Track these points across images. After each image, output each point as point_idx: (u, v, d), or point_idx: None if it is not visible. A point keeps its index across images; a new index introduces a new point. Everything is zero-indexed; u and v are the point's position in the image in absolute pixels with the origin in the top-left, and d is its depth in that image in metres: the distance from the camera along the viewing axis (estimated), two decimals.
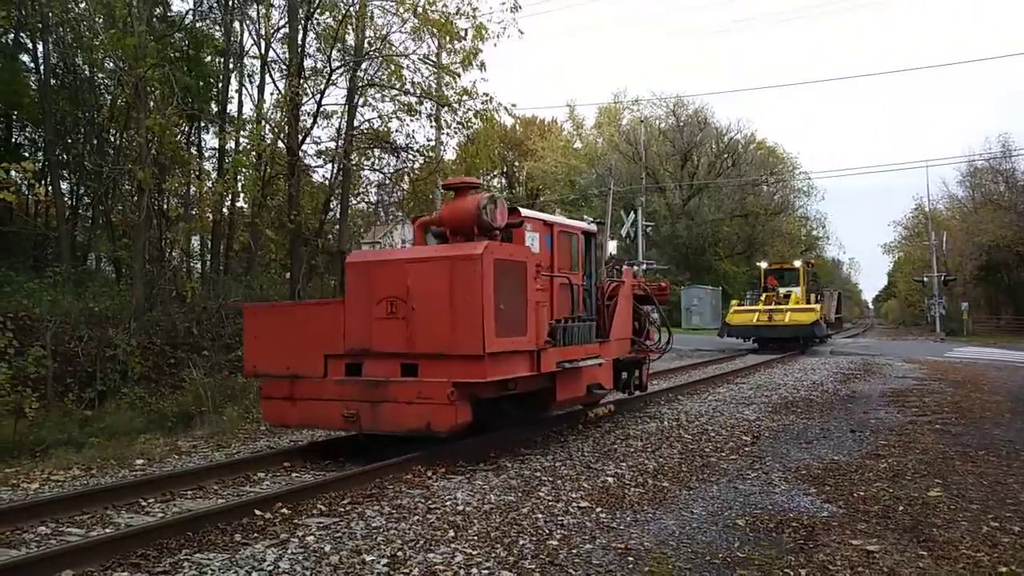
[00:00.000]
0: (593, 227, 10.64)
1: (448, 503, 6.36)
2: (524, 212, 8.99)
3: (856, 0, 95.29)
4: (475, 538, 5.46)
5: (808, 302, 27.26)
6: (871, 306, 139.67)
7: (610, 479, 7.29)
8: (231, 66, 20.56)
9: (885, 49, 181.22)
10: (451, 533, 5.56)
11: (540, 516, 6.01)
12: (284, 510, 6.05)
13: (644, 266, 29.71)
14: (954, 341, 38.82)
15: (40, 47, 18.70)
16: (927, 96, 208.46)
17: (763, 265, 30.83)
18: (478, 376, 7.28)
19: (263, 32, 18.69)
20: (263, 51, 19.15)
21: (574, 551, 5.20)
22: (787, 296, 27.01)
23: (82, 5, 17.03)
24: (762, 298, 27.48)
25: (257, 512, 5.90)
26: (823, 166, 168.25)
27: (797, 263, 29.41)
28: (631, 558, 5.09)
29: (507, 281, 7.50)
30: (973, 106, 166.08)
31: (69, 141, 19.74)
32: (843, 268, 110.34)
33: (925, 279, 48.30)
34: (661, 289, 12.53)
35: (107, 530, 5.65)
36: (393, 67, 17.35)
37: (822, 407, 12.52)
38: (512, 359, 7.74)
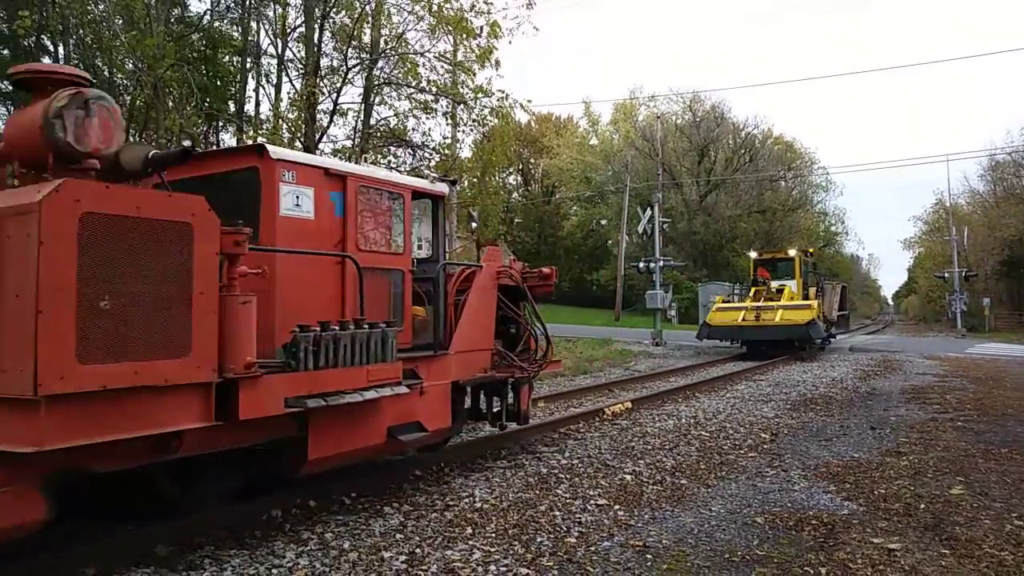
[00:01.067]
0: (441, 188, 7.57)
1: (466, 500, 6.37)
2: (275, 150, 5.76)
3: None
4: (493, 535, 5.46)
5: (805, 297, 23.61)
6: (891, 302, 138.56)
7: (628, 477, 7.27)
8: (248, 65, 20.71)
9: (904, 43, 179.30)
10: (469, 530, 5.57)
11: (558, 514, 6.00)
12: (303, 508, 6.08)
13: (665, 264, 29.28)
14: (975, 337, 38.42)
15: (61, 49, 18.92)
16: (947, 89, 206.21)
17: (753, 255, 27.48)
18: (26, 442, 3.82)
19: (280, 31, 18.80)
20: (280, 50, 19.32)
21: (592, 549, 5.20)
22: (780, 291, 23.49)
23: (101, 7, 17.19)
24: (751, 293, 24.25)
25: (276, 509, 5.93)
26: (842, 161, 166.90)
27: (792, 252, 25.54)
28: (649, 556, 5.08)
29: (129, 256, 4.16)
30: (994, 99, 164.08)
31: None
32: (862, 264, 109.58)
33: (946, 274, 47.75)
34: (544, 278, 8.73)
35: (129, 527, 5.70)
36: (409, 65, 17.42)
37: (842, 404, 12.42)
38: (150, 402, 4.26)
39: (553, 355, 8.68)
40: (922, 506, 6.24)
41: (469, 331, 7.34)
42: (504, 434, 8.62)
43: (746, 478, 7.27)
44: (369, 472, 7.10)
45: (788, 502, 6.41)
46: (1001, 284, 54.37)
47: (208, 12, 20.70)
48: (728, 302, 24.42)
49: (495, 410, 8.12)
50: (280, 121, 18.21)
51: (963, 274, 45.32)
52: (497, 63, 16.98)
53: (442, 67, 18.13)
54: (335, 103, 17.80)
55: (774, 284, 23.96)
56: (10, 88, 20.33)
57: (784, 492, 6.74)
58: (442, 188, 7.55)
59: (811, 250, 29.93)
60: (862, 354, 23.94)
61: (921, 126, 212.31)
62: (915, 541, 5.37)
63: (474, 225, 19.00)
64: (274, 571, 4.77)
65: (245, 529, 5.51)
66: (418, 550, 5.14)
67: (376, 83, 17.91)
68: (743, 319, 21.90)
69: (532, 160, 69.70)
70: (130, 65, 17.67)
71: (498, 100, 17.43)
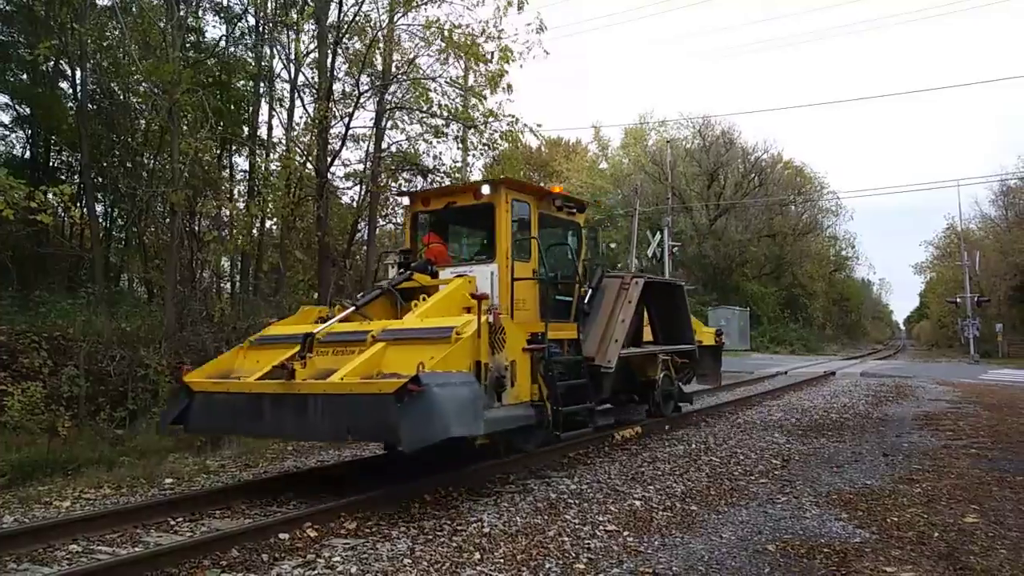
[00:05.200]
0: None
1: (474, 525, 6.34)
2: None
3: (887, 19, 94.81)
4: (501, 561, 5.43)
5: (516, 305, 9.06)
6: (903, 327, 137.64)
7: (637, 502, 7.22)
8: (262, 90, 20.95)
9: (914, 67, 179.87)
10: (477, 555, 5.54)
11: (567, 539, 5.96)
12: (311, 531, 6.06)
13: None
14: (989, 363, 38.08)
15: (79, 73, 19.20)
16: (958, 114, 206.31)
17: (405, 201, 10.34)
18: None
19: (293, 57, 19.04)
20: (293, 75, 19.53)
21: (601, 575, 5.15)
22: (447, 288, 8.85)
23: (116, 33, 17.46)
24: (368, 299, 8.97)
25: (283, 533, 5.92)
26: (852, 185, 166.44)
27: (487, 190, 9.01)
28: None
29: None
30: (1005, 124, 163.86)
31: (104, 164, 20.18)
32: (873, 289, 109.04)
33: (958, 300, 47.44)
34: None
35: (136, 549, 5.70)
36: (420, 90, 17.58)
37: (853, 430, 12.31)
38: None
39: None
40: (936, 534, 6.16)
41: None
42: (512, 459, 8.70)
43: (757, 504, 7.21)
44: (377, 495, 7.09)
45: (800, 529, 6.34)
46: (1014, 310, 53.87)
47: (223, 38, 21.02)
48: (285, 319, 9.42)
49: None
50: (293, 145, 18.37)
51: (975, 299, 45.04)
52: (508, 87, 17.11)
53: (453, 92, 18.31)
54: (347, 127, 17.98)
55: (446, 272, 9.20)
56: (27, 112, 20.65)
57: (796, 519, 6.67)
58: None
59: (560, 191, 10.63)
60: (873, 379, 23.76)
61: (932, 150, 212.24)
62: (928, 570, 5.29)
63: None
64: None
65: (252, 552, 5.50)
66: (426, 575, 5.11)
67: (388, 107, 18.08)
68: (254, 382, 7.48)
69: (542, 184, 69.96)
70: (144, 87, 17.91)
71: (508, 124, 17.55)
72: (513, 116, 17.57)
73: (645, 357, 11.87)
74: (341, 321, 8.07)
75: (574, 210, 10.34)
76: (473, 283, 8.40)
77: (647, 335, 12.18)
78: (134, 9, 17.45)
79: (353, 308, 8.43)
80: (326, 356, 7.36)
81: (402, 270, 9.43)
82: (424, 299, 8.10)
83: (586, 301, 10.26)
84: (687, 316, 12.68)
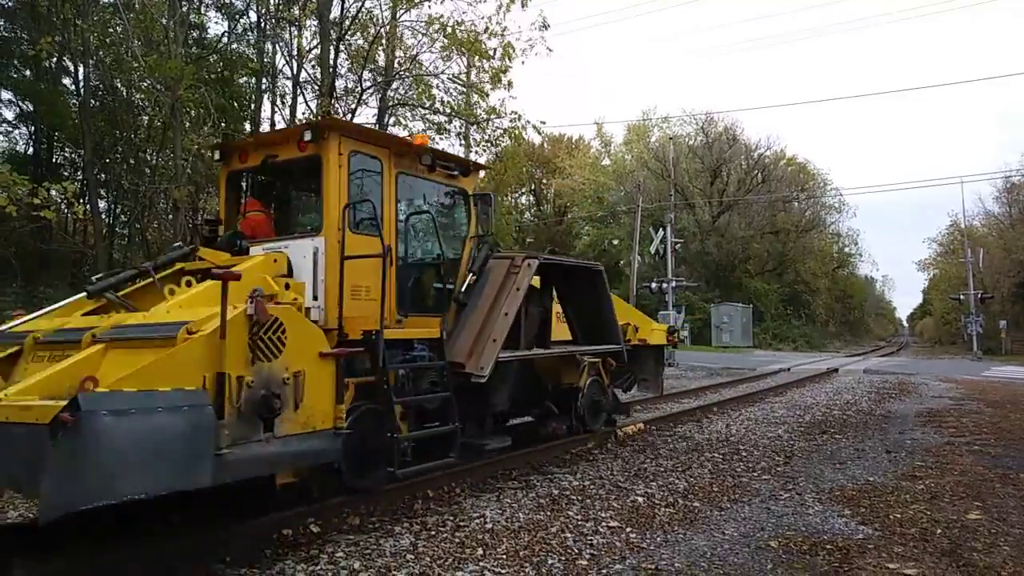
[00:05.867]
0: None
1: (476, 521, 6.35)
2: None
3: (889, 15, 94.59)
4: (504, 557, 5.43)
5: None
6: (906, 324, 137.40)
7: (640, 499, 7.22)
8: (264, 86, 20.96)
9: (917, 63, 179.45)
10: (479, 551, 5.55)
11: (569, 535, 5.97)
12: (314, 527, 6.07)
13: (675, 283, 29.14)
14: (992, 360, 38.03)
15: (81, 70, 19.23)
16: (961, 110, 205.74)
17: (216, 156, 7.85)
18: None
19: (296, 53, 19.04)
20: (295, 72, 19.55)
21: (603, 571, 5.16)
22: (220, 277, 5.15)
23: (119, 29, 17.48)
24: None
25: (287, 529, 5.93)
26: (855, 182, 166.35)
27: (309, 136, 6.66)
28: None
29: None
30: (1008, 120, 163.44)
31: (107, 161, 20.23)
32: (876, 285, 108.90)
33: (961, 297, 47.39)
34: None
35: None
36: (423, 86, 17.57)
37: (856, 427, 12.30)
38: None
39: None
40: (938, 531, 6.16)
41: None
42: (515, 455, 8.67)
43: (760, 501, 7.21)
44: (379, 492, 7.09)
45: (802, 526, 6.34)
46: (1018, 306, 53.74)
47: (226, 34, 21.04)
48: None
49: None
50: None
51: (979, 296, 44.96)
52: (510, 84, 17.11)
53: (455, 88, 18.31)
54: None
55: (261, 251, 6.79)
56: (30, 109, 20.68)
57: (798, 516, 6.67)
58: None
59: (423, 140, 8.04)
60: (876, 376, 23.74)
61: (935, 147, 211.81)
62: (931, 567, 5.29)
63: None
64: None
65: (256, 548, 5.51)
66: (428, 571, 5.12)
67: (390, 104, 18.09)
68: None
69: (544, 180, 69.90)
70: (146, 83, 17.93)
71: (511, 121, 17.55)
72: (516, 113, 17.57)
73: (560, 360, 9.57)
74: (89, 314, 6.08)
75: (455, 172, 8.09)
76: (281, 262, 6.44)
77: (562, 332, 9.85)
78: (137, 5, 17.45)
79: (109, 294, 6.30)
80: (41, 363, 5.30)
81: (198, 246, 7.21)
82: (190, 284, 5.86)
83: (463, 290, 7.90)
84: (610, 308, 9.88)
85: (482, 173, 8.71)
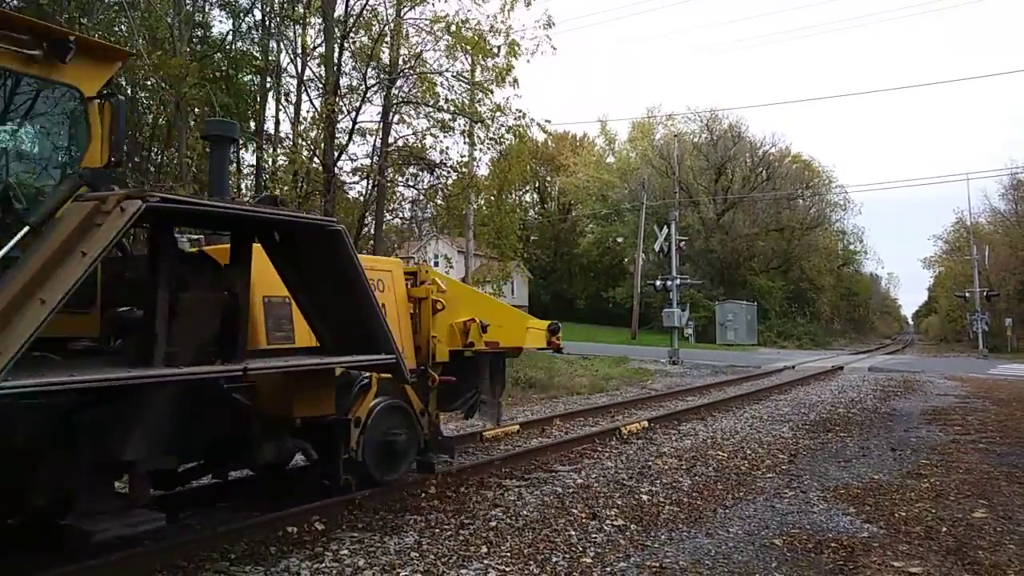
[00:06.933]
0: None
1: (481, 518, 6.35)
2: None
3: (896, 11, 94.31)
4: (508, 554, 5.44)
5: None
6: (911, 322, 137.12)
7: (644, 496, 7.22)
8: (268, 85, 20.97)
9: (921, 60, 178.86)
10: (484, 549, 5.55)
11: (573, 533, 5.97)
12: (318, 524, 6.08)
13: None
14: (998, 358, 37.92)
15: None
16: (967, 107, 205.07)
17: None
18: None
19: (300, 51, 19.04)
20: (300, 70, 19.54)
21: (608, 569, 5.16)
22: None
23: (124, 27, 17.50)
24: None
25: (291, 526, 5.94)
26: (860, 179, 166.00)
27: None
28: None
29: None
30: (1014, 117, 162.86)
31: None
32: (882, 283, 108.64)
33: (967, 294, 47.25)
34: None
35: (147, 542, 5.72)
36: (427, 84, 17.56)
37: (861, 425, 12.28)
38: None
39: None
40: (944, 529, 6.14)
41: None
42: (520, 452, 8.66)
43: (764, 499, 7.20)
44: (384, 489, 7.10)
45: (807, 524, 6.33)
46: (1023, 304, 53.68)
47: (230, 33, 21.05)
48: None
49: None
50: (300, 139, 18.39)
51: (984, 294, 44.84)
52: (515, 82, 17.08)
53: (460, 86, 18.28)
54: (354, 122, 17.97)
55: None
56: None
57: (803, 514, 6.66)
58: None
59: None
60: (882, 374, 23.68)
61: (941, 143, 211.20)
62: (937, 565, 5.28)
63: None
64: None
65: (260, 545, 5.52)
66: (433, 568, 5.12)
67: (394, 102, 18.07)
68: None
69: (548, 178, 69.93)
70: (151, 82, 17.94)
71: (515, 119, 17.53)
72: (520, 111, 17.55)
73: (300, 378, 5.62)
74: None
75: (33, 49, 4.77)
76: None
77: (305, 337, 5.82)
78: (141, 4, 17.47)
79: None
80: None
81: None
82: None
83: (13, 243, 4.15)
84: (367, 294, 5.39)
85: (118, 64, 5.49)
